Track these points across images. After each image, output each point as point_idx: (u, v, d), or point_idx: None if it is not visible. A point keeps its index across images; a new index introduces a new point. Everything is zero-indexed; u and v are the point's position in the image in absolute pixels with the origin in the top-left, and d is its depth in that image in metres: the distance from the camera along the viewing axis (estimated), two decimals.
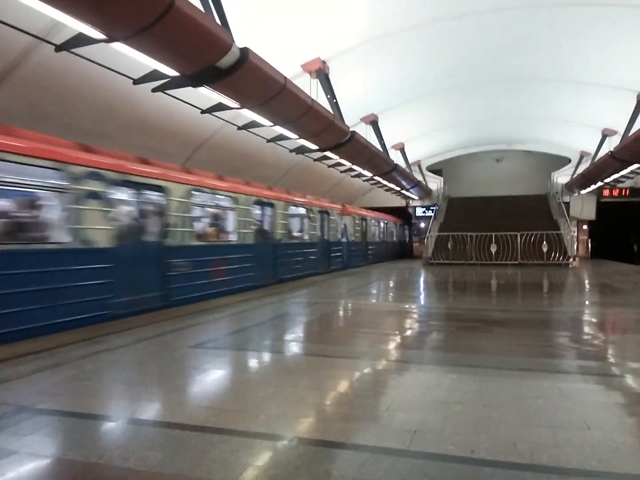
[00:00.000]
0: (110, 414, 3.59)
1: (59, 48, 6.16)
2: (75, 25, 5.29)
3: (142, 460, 2.81)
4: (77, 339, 6.04)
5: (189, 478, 2.61)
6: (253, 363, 5.44)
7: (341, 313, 9.16)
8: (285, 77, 8.08)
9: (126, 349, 5.64)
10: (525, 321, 7.81)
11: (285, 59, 10.51)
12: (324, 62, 11.85)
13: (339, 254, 19.21)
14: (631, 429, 3.30)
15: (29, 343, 5.78)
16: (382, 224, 26.67)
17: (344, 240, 19.91)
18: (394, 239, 29.72)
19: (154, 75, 7.04)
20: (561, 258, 20.45)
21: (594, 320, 8.24)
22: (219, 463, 2.77)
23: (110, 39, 5.58)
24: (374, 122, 16.77)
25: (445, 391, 4.08)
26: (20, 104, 8.43)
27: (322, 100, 11.25)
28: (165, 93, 7.90)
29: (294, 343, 6.46)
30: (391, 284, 15.06)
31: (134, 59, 6.20)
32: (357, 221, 21.84)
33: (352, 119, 15.20)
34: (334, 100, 12.16)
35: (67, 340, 5.95)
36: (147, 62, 6.35)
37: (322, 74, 11.87)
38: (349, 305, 10.05)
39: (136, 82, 7.38)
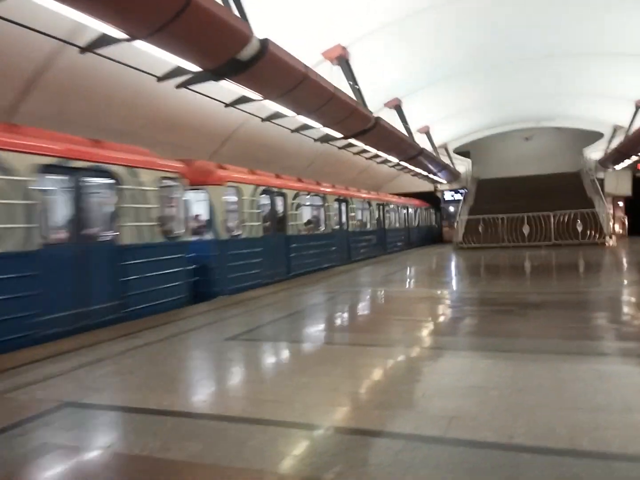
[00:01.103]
0: (150, 407, 3.68)
1: (83, 50, 6.27)
2: (98, 27, 5.37)
3: (182, 450, 2.88)
4: (116, 335, 6.19)
5: (228, 468, 2.66)
6: (287, 353, 5.49)
7: (374, 300, 9.15)
8: (306, 66, 8.04)
9: (163, 343, 5.76)
10: (561, 303, 7.66)
11: (306, 48, 10.44)
12: (344, 49, 11.73)
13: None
14: None
15: (70, 340, 5.96)
16: (411, 210, 26.43)
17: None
18: (424, 224, 29.43)
19: (177, 71, 7.11)
20: (597, 237, 19.92)
21: (632, 300, 8.01)
22: (257, 452, 2.81)
23: (132, 38, 5.65)
24: (397, 107, 16.56)
25: (481, 376, 4.04)
26: (49, 107, 8.63)
27: (345, 87, 11.16)
28: (189, 89, 7.96)
29: (327, 332, 6.49)
30: (423, 269, 14.94)
31: (156, 56, 6.26)
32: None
33: (376, 105, 15.03)
34: (356, 87, 12.05)
35: (106, 336, 6.11)
36: (170, 59, 6.42)
37: (343, 60, 11.76)
38: (382, 292, 10.03)
39: (160, 79, 7.46)
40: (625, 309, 7.32)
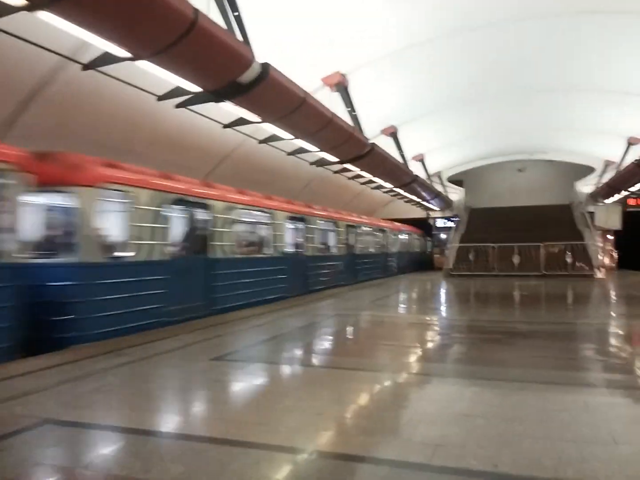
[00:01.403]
0: (132, 427, 3.63)
1: (85, 67, 6.34)
2: (101, 45, 5.45)
3: (163, 472, 2.83)
4: (100, 352, 6.12)
5: None
6: (272, 375, 5.44)
7: (362, 325, 9.12)
8: (305, 91, 8.17)
9: (148, 360, 5.70)
10: (549, 333, 7.67)
11: (305, 73, 10.61)
12: (343, 76, 11.93)
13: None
14: None
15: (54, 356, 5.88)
16: (402, 236, 26.52)
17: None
18: (415, 250, 29.51)
19: (177, 91, 7.19)
20: (586, 269, 20.05)
21: (620, 332, 8.05)
22: (239, 475, 2.77)
23: (136, 57, 5.72)
24: (393, 134, 16.77)
25: (467, 404, 4.02)
26: (48, 122, 8.67)
27: (342, 113, 11.32)
28: (188, 109, 8.05)
29: (314, 355, 6.45)
30: (413, 295, 14.94)
31: (157, 76, 6.34)
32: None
33: (372, 131, 15.23)
34: (354, 113, 12.22)
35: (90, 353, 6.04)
36: (171, 79, 6.50)
37: (341, 87, 11.95)
38: (370, 317, 10.01)
39: (160, 98, 7.54)
40: (613, 341, 7.35)
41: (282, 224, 12.82)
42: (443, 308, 11.99)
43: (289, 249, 13.45)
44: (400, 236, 27.06)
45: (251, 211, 11.64)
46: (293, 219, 13.68)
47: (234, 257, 10.54)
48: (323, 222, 16.04)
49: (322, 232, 16.26)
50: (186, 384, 4.97)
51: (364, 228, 20.97)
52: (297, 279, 13.37)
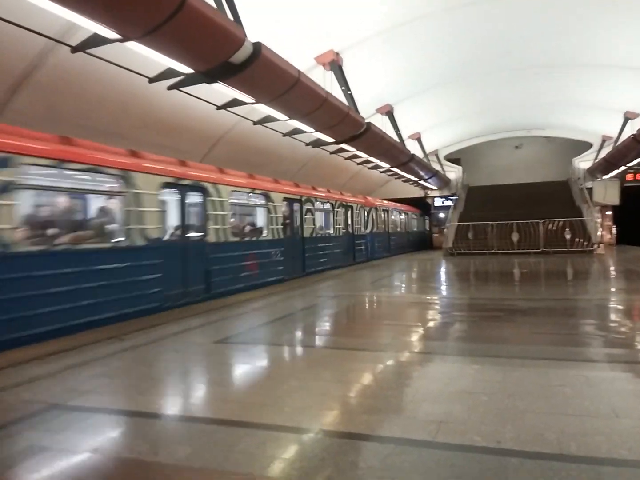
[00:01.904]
0: (138, 410, 3.64)
1: (75, 49, 6.23)
2: (90, 26, 5.34)
3: (171, 454, 2.86)
4: (104, 337, 6.13)
5: (217, 471, 2.64)
6: (276, 357, 5.47)
7: (363, 305, 9.15)
8: (298, 71, 8.05)
9: (151, 345, 5.72)
10: (550, 310, 7.71)
11: (299, 52, 10.47)
12: (337, 54, 11.77)
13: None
14: None
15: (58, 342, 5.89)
16: (401, 215, 26.48)
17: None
18: (413, 229, 29.51)
19: (168, 73, 7.08)
20: (585, 245, 20.09)
21: (620, 307, 8.10)
22: (246, 456, 2.79)
23: (125, 39, 5.62)
24: (389, 113, 16.62)
25: (470, 381, 4.05)
26: (38, 106, 8.56)
27: (337, 93, 11.19)
28: (180, 90, 7.94)
29: (317, 336, 6.48)
30: (413, 275, 14.98)
31: (148, 57, 6.24)
32: (378, 213, 21.75)
33: (368, 110, 15.09)
34: (349, 92, 12.08)
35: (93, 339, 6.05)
36: (162, 60, 6.39)
37: (335, 65, 11.80)
38: (372, 297, 10.04)
39: (151, 80, 7.43)
40: (613, 316, 7.39)
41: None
42: (443, 287, 12.03)
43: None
44: (407, 217, 27.04)
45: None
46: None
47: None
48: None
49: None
50: (190, 367, 4.99)
51: (392, 211, 21.52)
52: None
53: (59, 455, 2.90)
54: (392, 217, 25.31)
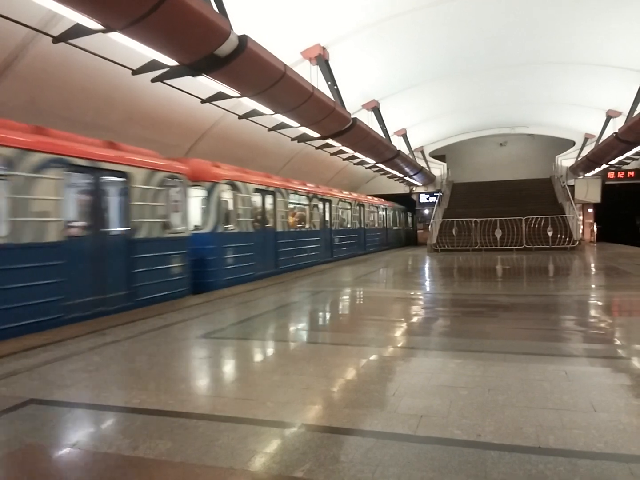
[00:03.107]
0: (118, 405, 3.61)
1: (56, 40, 6.13)
2: (73, 16, 5.26)
3: (151, 448, 2.84)
4: (85, 332, 6.07)
5: (197, 465, 2.63)
6: (259, 352, 5.46)
7: (347, 301, 9.17)
8: (284, 65, 8.02)
9: (133, 339, 5.67)
10: (531, 305, 7.81)
11: (285, 46, 10.43)
12: (323, 49, 11.75)
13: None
14: (637, 410, 3.30)
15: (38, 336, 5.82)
16: (385, 211, 26.56)
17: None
18: (398, 226, 29.62)
19: (152, 65, 7.01)
20: (566, 242, 20.37)
21: (599, 303, 8.23)
22: (227, 450, 2.79)
23: (108, 29, 5.54)
24: (375, 109, 16.66)
25: (451, 376, 4.09)
26: (20, 98, 8.41)
27: (323, 87, 11.17)
28: (165, 83, 7.86)
29: (301, 331, 6.48)
30: (397, 271, 15.05)
31: (132, 49, 6.16)
32: (363, 208, 21.75)
33: (354, 106, 15.10)
34: (335, 87, 12.07)
35: (74, 333, 5.99)
36: (146, 52, 6.32)
37: (322, 60, 11.78)
38: (355, 293, 10.06)
39: (135, 72, 7.34)
40: (592, 312, 7.50)
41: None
42: (427, 283, 12.11)
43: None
44: (392, 213, 27.03)
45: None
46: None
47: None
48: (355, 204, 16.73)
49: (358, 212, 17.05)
50: (173, 361, 4.95)
51: (374, 207, 21.24)
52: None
53: (37, 451, 2.87)
54: (384, 214, 25.47)
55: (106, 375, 4.35)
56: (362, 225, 21.78)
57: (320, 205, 16.94)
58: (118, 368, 4.62)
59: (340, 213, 18.91)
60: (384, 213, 26.09)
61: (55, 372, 4.41)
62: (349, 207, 20.09)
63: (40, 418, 3.33)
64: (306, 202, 15.78)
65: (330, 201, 17.75)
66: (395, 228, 28.51)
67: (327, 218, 17.62)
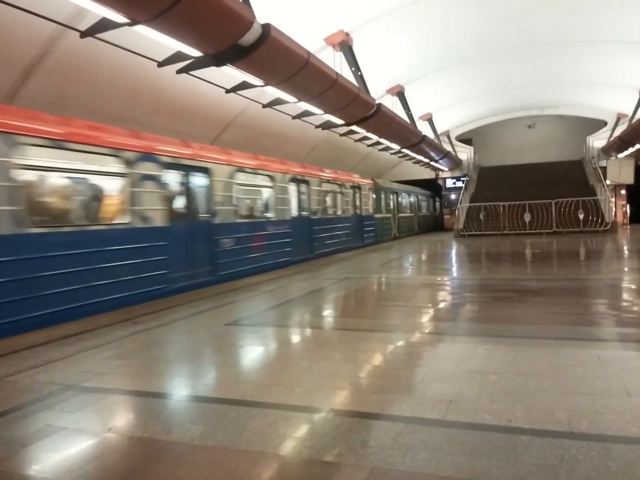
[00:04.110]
0: (151, 391, 3.71)
1: (84, 34, 6.21)
2: (99, 10, 5.32)
3: (184, 433, 2.91)
4: (116, 321, 6.22)
5: (229, 450, 2.69)
6: (286, 338, 5.51)
7: (374, 287, 9.17)
8: (308, 52, 7.97)
9: (163, 328, 5.79)
10: (562, 290, 7.67)
11: (308, 33, 10.36)
12: (347, 34, 11.63)
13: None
14: None
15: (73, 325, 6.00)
16: (412, 197, 26.33)
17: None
18: (425, 211, 29.34)
19: (177, 56, 7.05)
20: (598, 225, 19.87)
21: (632, 286, 8.02)
22: (258, 435, 2.84)
23: (133, 22, 5.59)
24: (400, 94, 16.45)
25: (480, 361, 4.06)
26: (49, 92, 8.58)
27: (347, 73, 11.08)
28: (190, 74, 7.90)
29: (327, 318, 6.52)
30: (424, 257, 14.95)
31: (157, 41, 6.21)
32: (388, 195, 21.67)
33: (378, 91, 14.94)
34: (359, 73, 11.96)
35: (107, 322, 6.15)
36: (171, 44, 6.36)
37: (345, 46, 11.66)
38: (382, 279, 10.05)
39: (160, 64, 7.40)
40: (625, 296, 7.33)
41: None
42: (454, 268, 12.00)
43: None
44: (418, 198, 26.88)
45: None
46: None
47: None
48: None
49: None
50: (202, 349, 5.05)
51: (402, 194, 21.87)
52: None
53: (74, 435, 2.97)
54: (411, 199, 25.38)
55: (139, 363, 4.46)
56: (396, 212, 22.84)
57: (351, 193, 17.64)
58: (150, 355, 4.72)
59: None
60: (414, 199, 26.16)
61: (90, 359, 4.54)
62: (383, 194, 21.11)
63: (77, 404, 3.44)
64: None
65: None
66: (423, 214, 28.28)
67: (358, 204, 18.21)
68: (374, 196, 19.92)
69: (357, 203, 18.13)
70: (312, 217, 14.07)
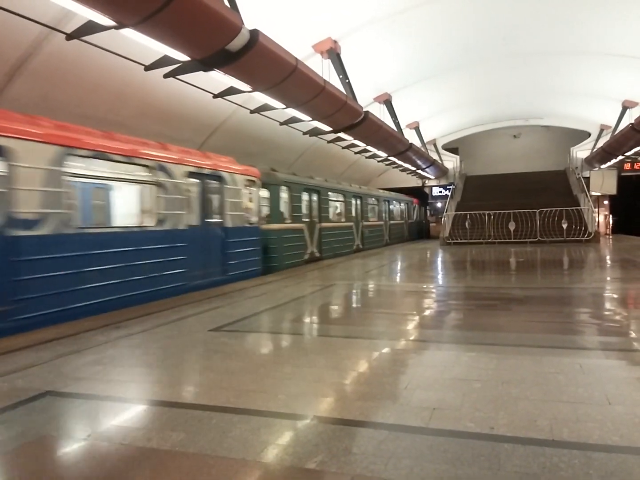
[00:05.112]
0: (132, 397, 3.66)
1: (69, 37, 6.17)
2: (85, 13, 5.29)
3: (164, 440, 2.87)
4: (98, 325, 6.14)
5: (211, 456, 2.65)
6: (270, 344, 5.48)
7: (359, 294, 9.17)
8: (296, 59, 8.00)
9: (146, 333, 5.72)
10: (545, 298, 7.74)
11: (296, 40, 10.41)
12: (335, 42, 11.70)
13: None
14: None
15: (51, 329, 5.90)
16: (398, 205, 26.44)
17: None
18: (410, 219, 29.49)
19: (164, 60, 7.03)
20: (581, 234, 20.13)
21: (614, 296, 8.12)
22: (240, 442, 2.81)
23: (120, 26, 5.57)
24: (387, 102, 16.57)
25: (464, 369, 4.07)
26: (34, 94, 8.50)
27: (335, 81, 11.13)
28: (177, 78, 7.89)
29: (312, 324, 6.50)
30: (409, 264, 15.00)
31: (144, 45, 6.19)
32: (374, 202, 21.70)
33: (366, 99, 15.04)
34: (347, 80, 12.02)
35: (88, 326, 6.06)
36: (158, 48, 6.35)
37: (333, 53, 11.73)
38: (367, 286, 10.06)
39: (147, 68, 7.37)
40: (607, 305, 7.41)
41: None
42: (439, 276, 12.05)
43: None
44: (405, 206, 27.06)
45: None
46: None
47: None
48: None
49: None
50: (186, 354, 4.99)
51: (389, 201, 22.41)
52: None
53: (52, 442, 2.91)
54: (397, 207, 25.60)
55: (120, 368, 4.40)
56: (387, 219, 23.82)
57: (353, 202, 19.09)
58: (131, 361, 4.66)
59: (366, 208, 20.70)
60: (403, 207, 26.42)
61: (70, 364, 4.47)
62: (376, 203, 22.24)
63: (55, 410, 3.38)
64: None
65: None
66: (409, 222, 28.40)
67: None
68: (270, 196, 12.93)
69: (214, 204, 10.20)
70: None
